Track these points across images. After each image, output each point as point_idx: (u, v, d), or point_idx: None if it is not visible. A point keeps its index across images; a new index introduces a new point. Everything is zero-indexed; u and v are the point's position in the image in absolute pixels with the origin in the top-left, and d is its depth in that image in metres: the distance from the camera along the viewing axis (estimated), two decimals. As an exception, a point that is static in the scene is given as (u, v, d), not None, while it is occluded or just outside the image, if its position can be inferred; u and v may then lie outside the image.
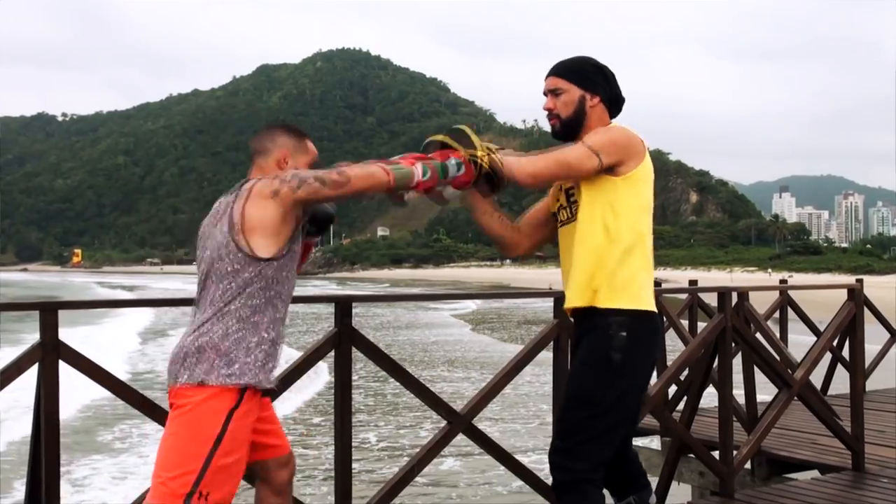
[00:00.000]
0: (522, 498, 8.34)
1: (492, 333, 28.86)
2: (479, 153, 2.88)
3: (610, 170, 2.99)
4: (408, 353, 22.81)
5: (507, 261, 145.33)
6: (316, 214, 2.96)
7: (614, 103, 3.15)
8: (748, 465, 6.19)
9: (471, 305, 41.03)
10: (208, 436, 2.68)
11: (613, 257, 2.99)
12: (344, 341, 3.94)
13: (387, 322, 34.03)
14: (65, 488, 8.79)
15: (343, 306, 3.98)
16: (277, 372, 2.97)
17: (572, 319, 3.21)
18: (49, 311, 3.42)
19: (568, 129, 3.10)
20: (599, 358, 2.96)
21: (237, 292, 2.77)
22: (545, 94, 3.14)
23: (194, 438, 2.69)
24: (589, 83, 3.09)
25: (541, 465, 3.41)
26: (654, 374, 7.95)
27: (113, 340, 23.61)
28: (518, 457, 4.77)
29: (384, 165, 2.81)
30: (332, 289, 75.80)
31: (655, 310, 3.06)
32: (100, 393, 3.56)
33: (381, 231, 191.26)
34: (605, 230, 3.00)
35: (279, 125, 3.03)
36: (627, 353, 2.95)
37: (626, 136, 3.03)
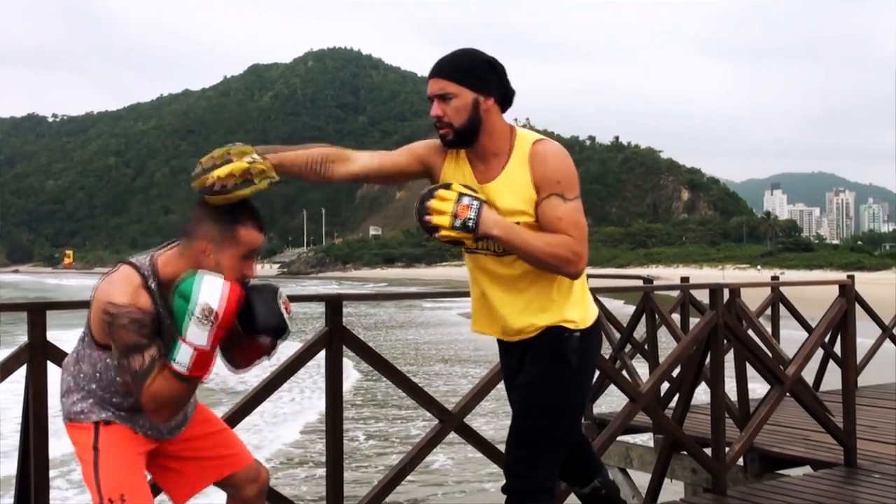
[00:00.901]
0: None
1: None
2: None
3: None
4: (413, 352, 22.80)
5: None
6: (264, 326, 2.60)
7: (506, 99, 2.85)
8: (740, 462, 6.19)
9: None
10: (87, 450, 2.62)
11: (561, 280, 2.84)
12: (335, 340, 3.93)
13: (388, 321, 34.04)
14: (69, 490, 8.79)
15: (333, 305, 3.97)
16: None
17: (504, 345, 3.03)
18: (37, 312, 3.41)
19: (462, 137, 2.79)
20: (558, 362, 2.85)
21: (82, 351, 2.68)
22: (430, 98, 2.79)
23: (82, 462, 2.63)
24: (481, 84, 2.77)
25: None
26: (647, 370, 8.06)
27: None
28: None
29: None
30: (332, 287, 74.92)
31: (596, 313, 2.96)
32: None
33: (373, 230, 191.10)
34: None
35: (207, 208, 2.61)
36: (581, 354, 2.87)
37: (571, 161, 2.80)
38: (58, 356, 3.42)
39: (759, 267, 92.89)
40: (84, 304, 3.95)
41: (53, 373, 3.42)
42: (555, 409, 2.85)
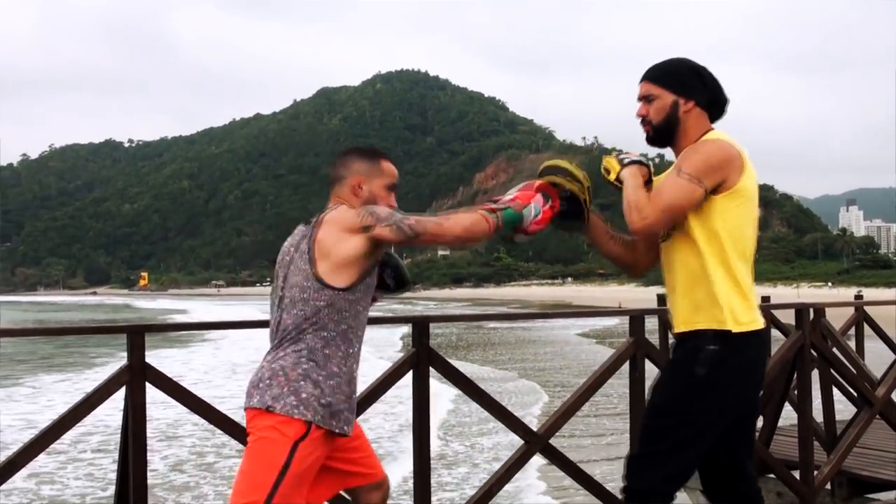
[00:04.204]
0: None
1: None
2: (582, 194, 3.06)
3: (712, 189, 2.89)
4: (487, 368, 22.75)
5: (569, 279, 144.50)
6: (399, 273, 3.05)
7: (715, 105, 3.03)
8: (827, 486, 6.05)
9: (599, 324, 39.62)
10: (274, 464, 2.67)
11: (710, 279, 2.90)
12: (422, 362, 3.96)
13: (456, 341, 34.01)
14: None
15: (420, 327, 4.00)
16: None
17: (674, 339, 3.09)
18: (136, 334, 3.50)
19: (660, 135, 3.03)
20: (685, 370, 2.92)
21: (309, 321, 2.77)
22: (639, 100, 3.04)
23: (261, 466, 2.68)
24: (682, 88, 2.99)
25: (610, 480, 3.33)
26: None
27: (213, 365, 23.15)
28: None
29: (487, 212, 2.87)
30: (419, 309, 73.67)
31: (758, 327, 2.95)
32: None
33: (441, 251, 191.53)
34: (701, 250, 2.91)
35: (352, 149, 3.01)
36: (714, 369, 2.86)
37: (723, 151, 2.90)
38: (156, 378, 3.51)
39: (829, 284, 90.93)
40: (178, 327, 4.06)
41: (152, 394, 3.51)
42: (668, 413, 2.94)
